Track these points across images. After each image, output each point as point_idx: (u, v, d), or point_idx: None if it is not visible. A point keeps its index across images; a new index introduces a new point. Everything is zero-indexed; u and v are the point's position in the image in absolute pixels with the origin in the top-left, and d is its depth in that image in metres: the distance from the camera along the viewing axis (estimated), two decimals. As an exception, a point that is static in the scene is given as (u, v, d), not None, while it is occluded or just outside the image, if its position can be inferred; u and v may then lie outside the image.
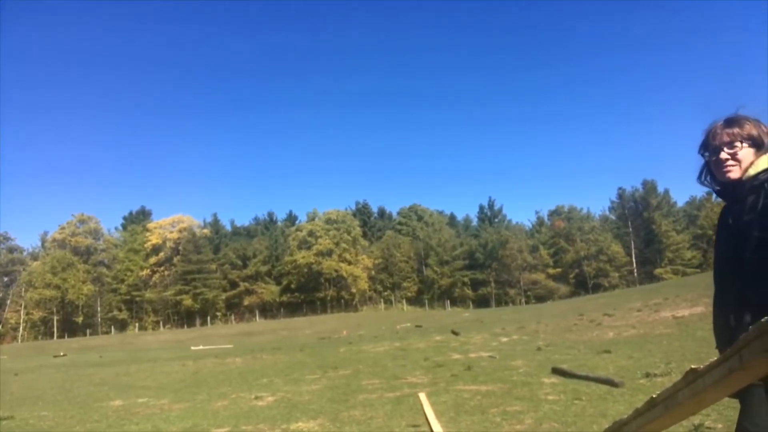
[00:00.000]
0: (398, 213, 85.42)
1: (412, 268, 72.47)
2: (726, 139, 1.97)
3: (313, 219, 73.16)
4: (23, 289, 65.78)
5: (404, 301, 69.11)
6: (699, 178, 2.12)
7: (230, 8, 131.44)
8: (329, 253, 67.28)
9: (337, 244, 68.09)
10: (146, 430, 6.76)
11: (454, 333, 19.72)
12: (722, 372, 1.23)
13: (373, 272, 71.16)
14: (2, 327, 65.38)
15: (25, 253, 74.64)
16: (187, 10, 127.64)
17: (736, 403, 1.96)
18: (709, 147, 2.03)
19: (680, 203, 76.56)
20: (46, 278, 63.85)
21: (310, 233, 69.54)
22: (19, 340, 62.15)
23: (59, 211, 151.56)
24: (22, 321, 64.94)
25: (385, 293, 71.46)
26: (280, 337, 34.81)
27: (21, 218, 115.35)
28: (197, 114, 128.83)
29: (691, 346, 9.93)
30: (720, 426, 4.63)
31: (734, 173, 1.95)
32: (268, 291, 69.48)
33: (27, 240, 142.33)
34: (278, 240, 75.28)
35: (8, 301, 67.46)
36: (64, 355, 29.61)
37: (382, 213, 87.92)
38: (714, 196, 2.15)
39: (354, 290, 68.52)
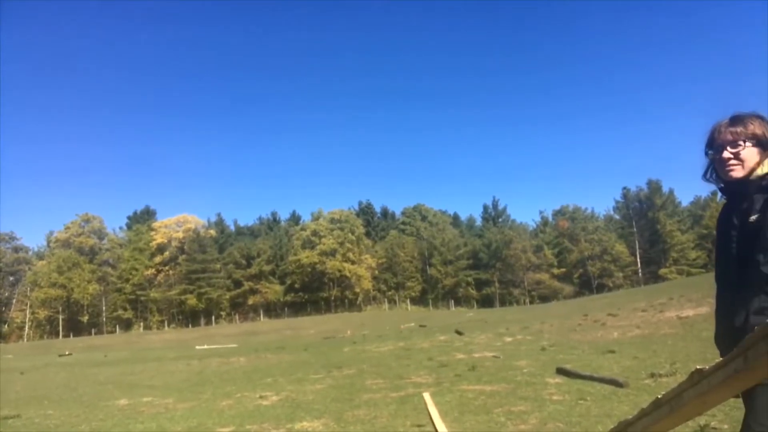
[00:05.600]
0: (402, 213, 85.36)
1: (415, 268, 72.41)
2: (729, 137, 1.95)
3: (317, 218, 73.21)
4: (29, 289, 66.13)
5: (408, 301, 69.05)
6: (704, 175, 2.11)
7: (233, 8, 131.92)
8: (333, 253, 67.26)
9: (341, 243, 68.08)
10: (151, 429, 6.78)
11: (458, 333, 19.69)
12: (728, 372, 1.23)
13: (376, 272, 71.15)
14: (8, 326, 65.75)
15: (30, 253, 75.15)
16: (189, 10, 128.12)
17: (741, 404, 1.96)
18: (713, 145, 2.02)
19: (685, 203, 76.36)
20: (52, 277, 64.19)
21: (314, 233, 69.59)
22: (25, 339, 62.53)
23: (65, 210, 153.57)
24: (27, 320, 65.29)
25: (389, 293, 71.43)
26: (285, 337, 34.83)
27: (26, 218, 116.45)
28: (201, 113, 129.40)
29: (696, 347, 9.89)
30: (726, 427, 4.61)
31: (737, 172, 1.94)
32: (272, 290, 69.54)
33: (32, 240, 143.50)
34: (282, 240, 75.33)
35: (14, 301, 67.89)
36: (69, 354, 29.69)
37: (385, 213, 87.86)
38: (719, 195, 2.14)
39: (358, 290, 68.52)
